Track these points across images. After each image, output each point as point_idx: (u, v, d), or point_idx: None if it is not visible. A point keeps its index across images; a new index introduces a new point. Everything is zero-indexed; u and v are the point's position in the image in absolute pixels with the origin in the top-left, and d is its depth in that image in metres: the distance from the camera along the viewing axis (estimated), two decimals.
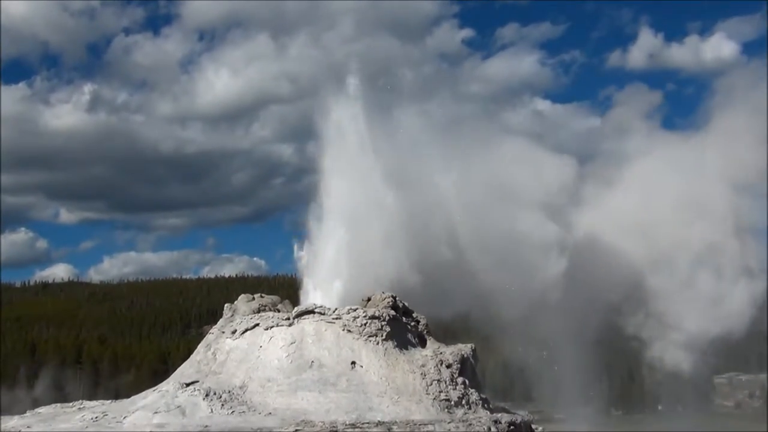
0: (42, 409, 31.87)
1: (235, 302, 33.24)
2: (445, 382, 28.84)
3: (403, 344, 30.07)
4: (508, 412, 31.66)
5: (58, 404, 33.08)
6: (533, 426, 30.35)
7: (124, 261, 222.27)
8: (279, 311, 32.19)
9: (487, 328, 40.31)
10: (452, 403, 28.36)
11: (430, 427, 25.12)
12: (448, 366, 29.42)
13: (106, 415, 27.28)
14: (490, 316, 39.83)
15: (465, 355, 30.31)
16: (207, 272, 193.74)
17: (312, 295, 34.15)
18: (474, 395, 29.35)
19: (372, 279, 33.59)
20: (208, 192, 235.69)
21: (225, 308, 33.03)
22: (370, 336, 29.28)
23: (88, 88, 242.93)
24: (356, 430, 24.70)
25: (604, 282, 43.04)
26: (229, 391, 27.35)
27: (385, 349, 29.18)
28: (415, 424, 25.25)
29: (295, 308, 31.16)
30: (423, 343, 31.14)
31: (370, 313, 29.83)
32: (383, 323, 29.68)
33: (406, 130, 40.70)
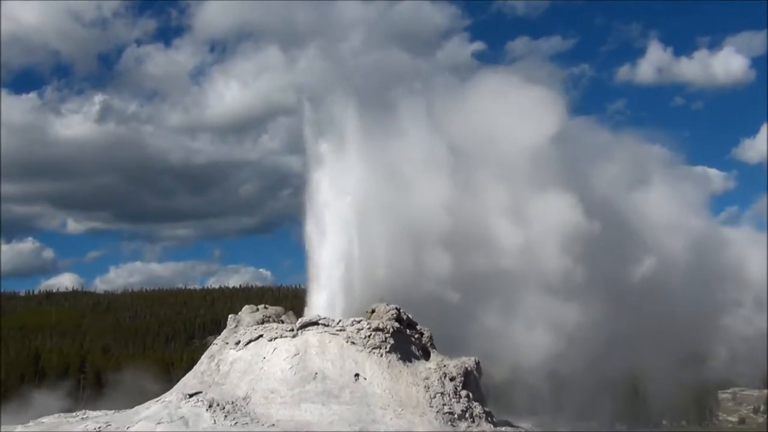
0: (45, 419, 31.89)
1: (239, 313, 33.18)
2: (449, 395, 28.79)
3: (406, 356, 30.04)
4: (511, 425, 31.61)
5: (62, 414, 33.09)
6: None
7: (130, 271, 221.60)
8: (283, 322, 32.16)
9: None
10: (456, 416, 28.31)
11: None
12: (452, 379, 29.39)
13: (110, 425, 27.30)
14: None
15: (469, 368, 30.26)
16: (212, 283, 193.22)
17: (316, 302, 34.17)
18: (477, 408, 29.29)
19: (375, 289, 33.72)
20: (215, 203, 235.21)
21: (229, 319, 33.00)
22: (373, 348, 29.26)
23: (98, 98, 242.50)
24: None
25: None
26: (233, 403, 27.31)
27: (389, 362, 29.15)
28: None
29: (299, 319, 31.13)
30: (427, 356, 31.09)
31: (374, 325, 29.81)
32: (387, 335, 29.67)
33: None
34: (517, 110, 43.17)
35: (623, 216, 46.13)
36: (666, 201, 50.64)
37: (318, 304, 34.06)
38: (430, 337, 31.98)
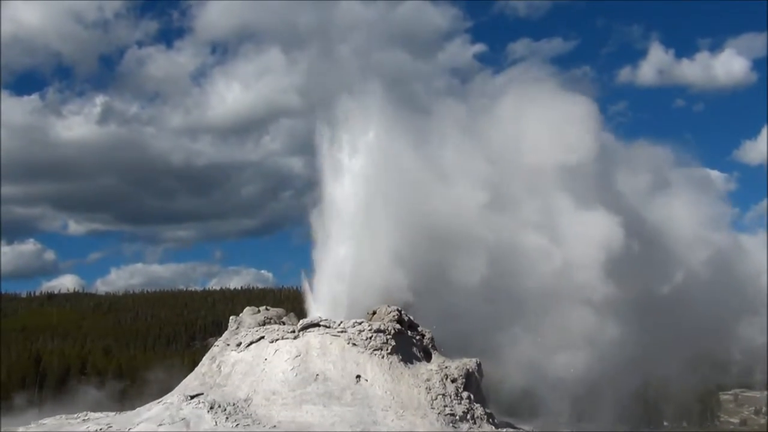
0: (47, 421, 31.95)
1: (241, 315, 33.19)
2: (450, 397, 28.78)
3: (408, 358, 30.03)
4: (513, 427, 31.61)
5: (63, 415, 33.12)
6: None
7: (131, 272, 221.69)
8: (284, 324, 32.14)
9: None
10: (457, 417, 28.29)
11: None
12: (453, 380, 29.36)
13: (111, 426, 27.33)
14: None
15: (470, 370, 30.23)
16: (214, 284, 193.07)
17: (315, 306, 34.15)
18: (479, 410, 29.28)
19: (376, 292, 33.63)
20: (217, 204, 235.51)
21: (230, 321, 32.98)
22: (375, 350, 29.25)
23: (99, 99, 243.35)
24: None
25: None
26: (234, 404, 27.31)
27: (390, 363, 29.14)
28: None
29: (301, 321, 31.12)
30: (428, 357, 31.09)
31: (375, 326, 29.80)
32: (388, 337, 29.66)
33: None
34: (552, 120, 42.45)
35: (652, 230, 45.54)
36: (690, 214, 50.21)
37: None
38: (432, 339, 31.98)
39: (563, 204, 41.28)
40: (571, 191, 41.57)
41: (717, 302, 46.54)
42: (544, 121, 42.50)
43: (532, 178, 41.50)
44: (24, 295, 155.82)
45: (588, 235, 39.87)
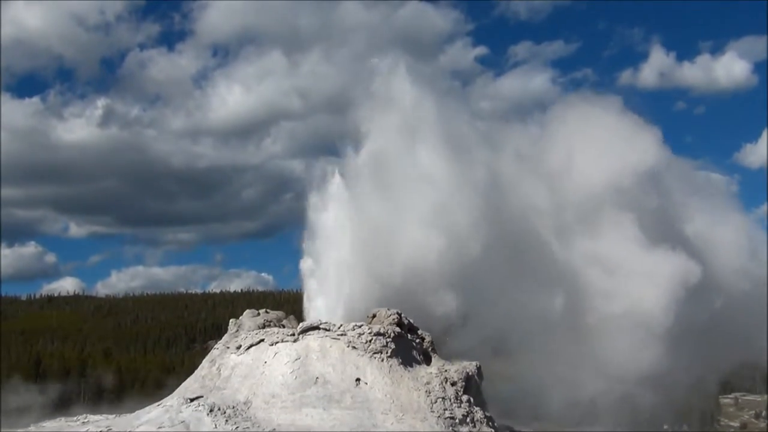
0: (46, 423, 31.92)
1: (240, 317, 33.19)
2: (450, 400, 28.76)
3: (408, 361, 30.01)
4: (512, 430, 31.60)
5: (63, 418, 33.08)
6: None
7: (131, 275, 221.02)
8: (284, 327, 32.16)
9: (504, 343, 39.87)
10: (457, 420, 28.28)
11: None
12: (453, 384, 29.36)
13: (110, 429, 27.33)
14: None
15: (470, 373, 30.23)
16: (214, 287, 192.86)
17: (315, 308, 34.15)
18: (479, 413, 29.26)
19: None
20: (217, 207, 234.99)
21: (230, 323, 32.98)
22: (375, 353, 29.23)
23: (101, 102, 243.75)
24: None
25: None
26: (233, 407, 27.31)
27: (390, 366, 29.13)
28: None
29: (300, 324, 31.13)
30: (428, 361, 31.07)
31: (375, 329, 29.79)
32: (388, 340, 29.64)
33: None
34: (610, 146, 41.44)
35: (701, 258, 44.41)
36: (731, 238, 48.94)
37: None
38: (431, 342, 31.96)
39: (626, 237, 40.22)
40: (634, 223, 40.43)
41: (751, 316, 45.72)
42: (602, 147, 41.50)
43: (588, 207, 40.68)
44: (24, 297, 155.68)
45: (659, 275, 38.90)
